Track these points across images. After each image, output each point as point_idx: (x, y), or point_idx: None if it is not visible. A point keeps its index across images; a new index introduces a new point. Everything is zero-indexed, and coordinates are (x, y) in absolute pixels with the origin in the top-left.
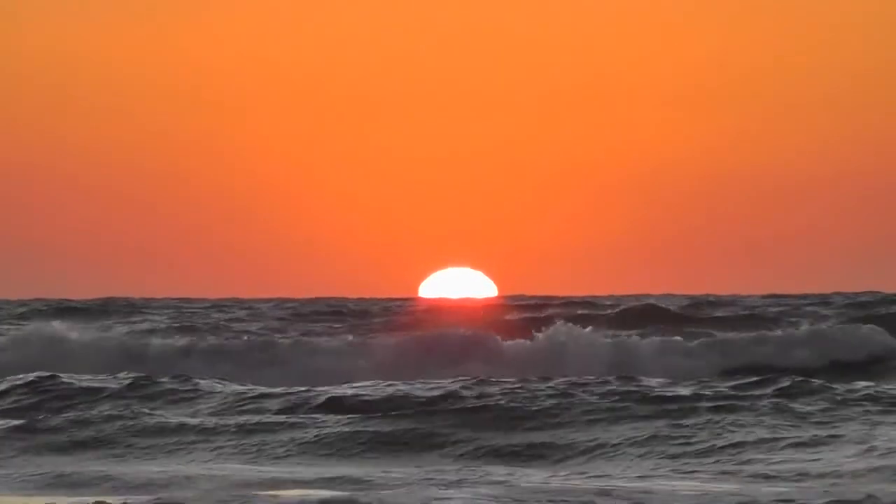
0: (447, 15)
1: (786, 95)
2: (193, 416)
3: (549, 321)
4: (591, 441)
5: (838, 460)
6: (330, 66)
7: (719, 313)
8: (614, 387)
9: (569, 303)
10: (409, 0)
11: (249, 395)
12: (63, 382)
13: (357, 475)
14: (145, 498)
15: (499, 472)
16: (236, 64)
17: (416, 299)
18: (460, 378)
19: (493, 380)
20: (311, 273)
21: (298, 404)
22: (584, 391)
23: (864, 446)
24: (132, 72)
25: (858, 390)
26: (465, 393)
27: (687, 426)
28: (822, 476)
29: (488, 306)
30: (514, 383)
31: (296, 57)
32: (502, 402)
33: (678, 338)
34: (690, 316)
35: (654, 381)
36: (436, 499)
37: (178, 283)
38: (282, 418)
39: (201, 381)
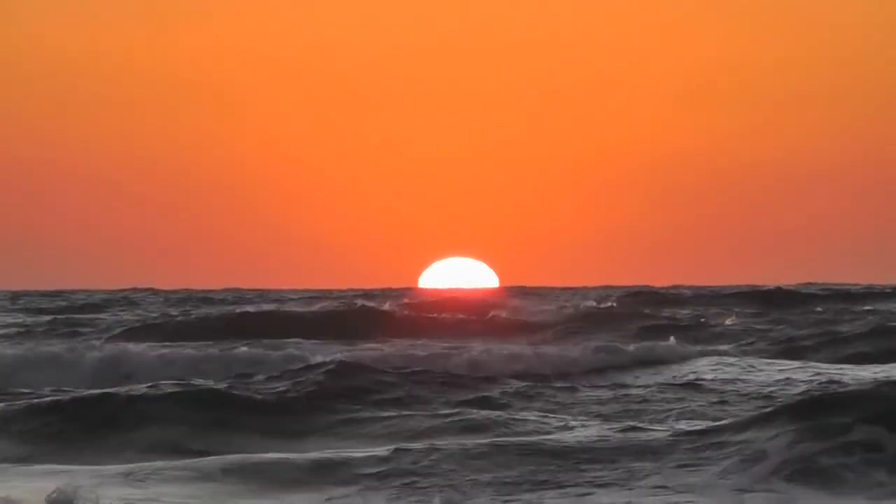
0: (448, 10)
1: (789, 90)
2: None
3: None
4: None
5: None
6: (332, 62)
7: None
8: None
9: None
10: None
11: None
12: None
13: None
14: None
15: None
16: (240, 61)
17: (414, 289)
18: None
19: None
20: (314, 264)
21: None
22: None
23: None
24: (136, 69)
25: None
26: None
27: None
28: None
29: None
30: None
31: (299, 54)
32: None
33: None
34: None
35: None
36: None
37: (181, 275)
38: None
39: None
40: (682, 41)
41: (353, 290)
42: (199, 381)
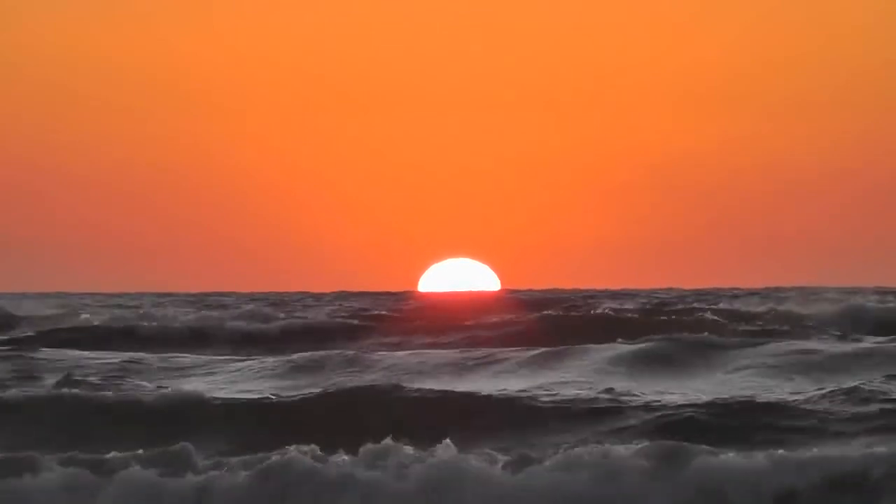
0: (448, 14)
1: (795, 94)
2: None
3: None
4: None
5: None
6: (332, 65)
7: None
8: None
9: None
10: (411, 2)
11: None
12: None
13: None
14: None
15: None
16: (242, 63)
17: (414, 293)
18: None
19: None
20: (316, 266)
21: None
22: None
23: None
24: (137, 71)
25: None
26: None
27: None
28: None
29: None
30: None
31: (299, 57)
32: None
33: None
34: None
35: None
36: None
37: (179, 278)
38: None
39: None
40: (692, 45)
41: (348, 292)
42: None
